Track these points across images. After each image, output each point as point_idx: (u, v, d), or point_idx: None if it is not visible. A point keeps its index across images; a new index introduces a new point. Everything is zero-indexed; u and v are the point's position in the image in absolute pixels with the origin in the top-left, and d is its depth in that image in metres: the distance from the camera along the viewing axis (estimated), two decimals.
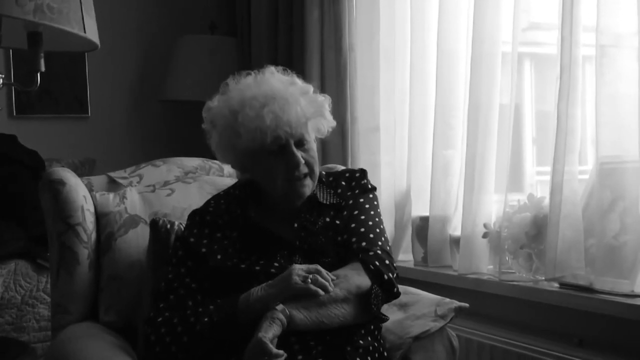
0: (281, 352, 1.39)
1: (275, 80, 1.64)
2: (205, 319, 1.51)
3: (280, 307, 1.45)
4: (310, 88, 1.68)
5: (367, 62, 2.72)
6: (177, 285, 1.60)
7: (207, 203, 1.74)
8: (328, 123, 1.71)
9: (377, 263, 1.58)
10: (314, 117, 1.66)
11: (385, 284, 1.58)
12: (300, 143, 1.63)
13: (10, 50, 3.30)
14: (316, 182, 1.68)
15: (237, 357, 1.47)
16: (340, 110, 2.66)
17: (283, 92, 1.61)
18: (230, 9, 3.70)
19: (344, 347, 1.55)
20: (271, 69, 1.68)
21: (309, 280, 1.48)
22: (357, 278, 1.55)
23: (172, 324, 1.54)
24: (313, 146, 1.66)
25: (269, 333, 1.40)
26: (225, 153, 1.68)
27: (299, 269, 1.50)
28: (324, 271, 1.51)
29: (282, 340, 1.44)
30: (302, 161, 1.61)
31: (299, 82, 1.67)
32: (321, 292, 1.48)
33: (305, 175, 1.63)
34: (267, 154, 1.61)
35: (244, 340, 1.44)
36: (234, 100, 1.63)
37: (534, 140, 2.75)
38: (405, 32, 2.56)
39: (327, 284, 1.49)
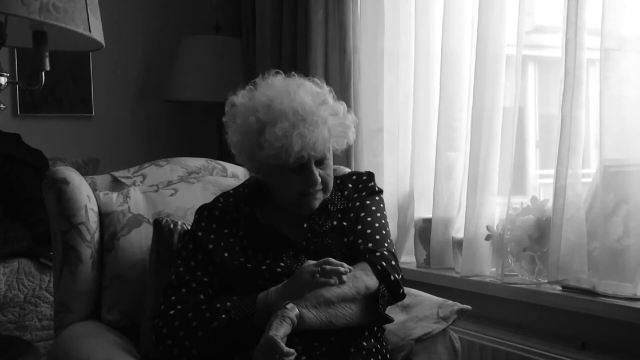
0: (292, 350, 1.39)
1: (306, 95, 1.59)
2: (223, 316, 1.51)
3: (290, 305, 1.46)
4: (341, 108, 1.65)
5: (371, 64, 2.72)
6: (189, 279, 1.60)
7: (216, 199, 1.74)
8: (349, 142, 1.70)
9: (384, 264, 1.59)
10: (339, 137, 1.66)
11: (392, 285, 1.58)
12: (320, 162, 1.63)
13: (15, 49, 3.30)
14: (328, 195, 1.68)
15: (243, 356, 1.48)
16: None
17: (313, 113, 1.57)
18: (235, 9, 3.70)
19: (347, 348, 1.56)
20: (304, 83, 1.63)
21: (317, 275, 1.48)
22: (365, 278, 1.55)
23: (186, 318, 1.53)
24: (331, 163, 1.66)
25: (280, 332, 1.41)
26: (241, 154, 1.67)
27: (307, 266, 1.51)
28: (333, 260, 1.51)
29: (286, 340, 1.44)
30: (320, 180, 1.61)
31: (330, 100, 1.64)
32: (331, 281, 1.48)
33: (318, 192, 1.63)
34: (286, 170, 1.60)
35: (252, 340, 1.44)
36: (260, 105, 1.59)
37: (537, 143, 2.74)
38: (410, 34, 2.56)
39: (338, 269, 1.49)
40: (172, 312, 1.56)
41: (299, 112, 1.55)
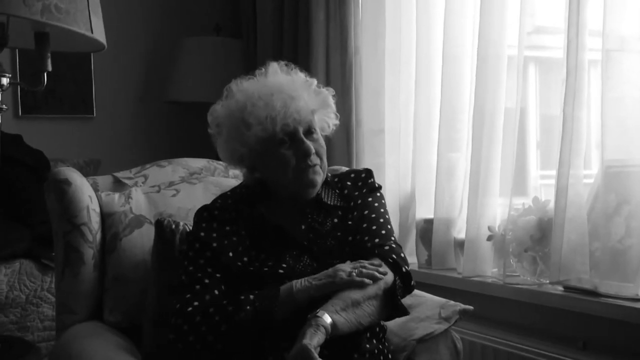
0: None
1: (279, 77, 1.68)
2: (248, 307, 1.50)
3: (320, 312, 1.45)
4: (313, 81, 1.70)
5: (373, 64, 2.73)
6: (201, 276, 1.58)
7: (215, 201, 1.74)
8: (333, 117, 1.74)
9: (394, 256, 1.60)
10: (320, 109, 1.69)
11: (404, 276, 1.60)
12: (309, 132, 1.65)
13: (17, 50, 3.31)
14: (325, 172, 1.69)
15: (276, 355, 1.48)
16: (345, 112, 2.67)
17: (289, 84, 1.65)
18: (236, 10, 3.71)
19: (350, 352, 1.55)
20: (274, 66, 1.70)
21: (354, 273, 1.50)
22: None
23: (208, 313, 1.52)
24: (321, 137, 1.69)
25: (314, 341, 1.39)
26: (234, 149, 1.68)
27: (344, 266, 1.53)
28: (367, 264, 1.54)
29: (319, 350, 1.42)
30: (313, 150, 1.63)
31: (302, 75, 1.70)
32: (368, 281, 1.50)
33: (315, 165, 1.64)
34: (277, 145, 1.62)
35: (273, 333, 1.46)
36: (240, 100, 1.65)
37: (538, 143, 2.74)
38: (411, 35, 2.56)
39: (374, 273, 1.51)
40: (189, 309, 1.54)
41: (276, 86, 1.64)
